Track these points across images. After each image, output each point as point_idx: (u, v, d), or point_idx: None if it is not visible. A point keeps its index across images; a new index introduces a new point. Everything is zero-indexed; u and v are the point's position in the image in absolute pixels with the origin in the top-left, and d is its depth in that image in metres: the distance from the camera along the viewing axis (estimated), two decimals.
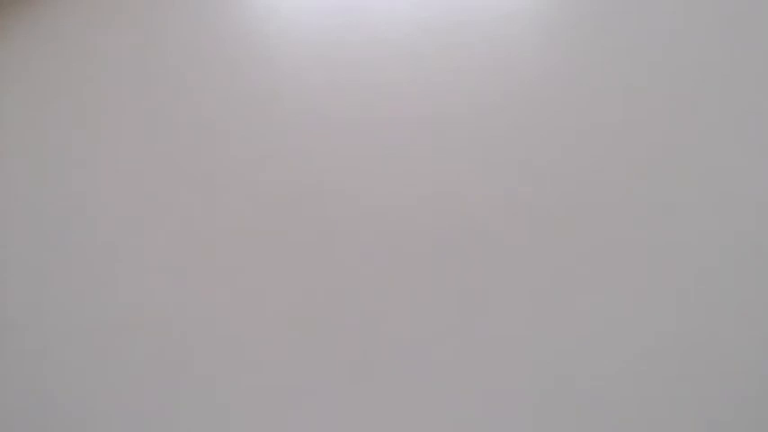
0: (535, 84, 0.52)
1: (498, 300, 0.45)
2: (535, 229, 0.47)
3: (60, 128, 0.55)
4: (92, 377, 0.45)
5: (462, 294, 0.45)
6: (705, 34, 0.52)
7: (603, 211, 0.47)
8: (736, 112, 0.49)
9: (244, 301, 0.47)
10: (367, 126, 0.52)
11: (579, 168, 0.49)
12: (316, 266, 0.47)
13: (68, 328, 0.47)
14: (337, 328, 0.45)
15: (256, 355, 0.45)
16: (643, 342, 0.42)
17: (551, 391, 0.42)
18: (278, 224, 0.49)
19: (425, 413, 0.42)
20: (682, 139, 0.49)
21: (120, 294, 0.48)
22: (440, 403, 0.42)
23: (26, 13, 0.62)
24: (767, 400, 0.40)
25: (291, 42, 0.57)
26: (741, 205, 0.46)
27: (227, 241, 0.49)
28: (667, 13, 0.53)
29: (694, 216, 0.46)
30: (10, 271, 0.50)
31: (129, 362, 0.45)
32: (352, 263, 0.47)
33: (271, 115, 0.54)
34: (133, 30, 0.59)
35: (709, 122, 0.49)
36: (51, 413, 0.44)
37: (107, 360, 0.46)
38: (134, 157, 0.53)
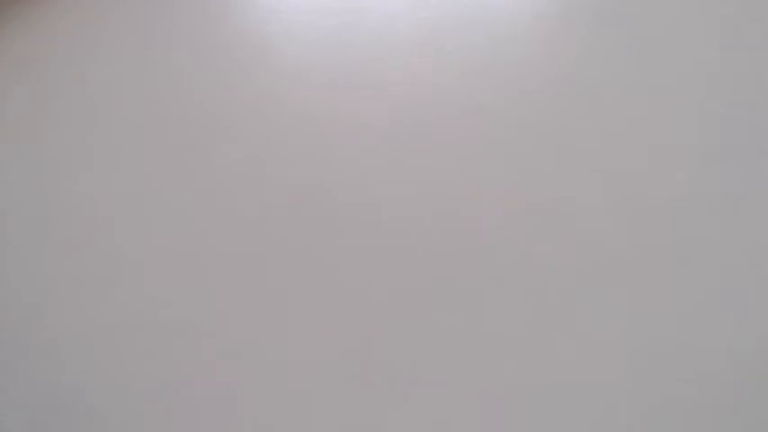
0: (537, 83, 0.52)
1: (495, 300, 0.45)
2: (536, 231, 0.47)
3: (61, 128, 0.55)
4: (97, 377, 0.45)
5: (460, 294, 0.45)
6: (711, 33, 0.52)
7: (604, 213, 0.47)
8: (743, 113, 0.49)
9: (244, 299, 0.47)
10: (367, 126, 0.52)
11: (581, 169, 0.48)
12: (316, 264, 0.47)
13: (74, 327, 0.47)
14: (336, 328, 0.45)
15: (256, 353, 0.45)
16: (642, 344, 0.42)
17: (550, 392, 0.42)
18: (278, 222, 0.49)
19: (423, 412, 0.42)
20: (685, 139, 0.49)
21: (120, 293, 0.48)
22: (437, 402, 0.42)
23: (26, 13, 0.62)
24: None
25: (291, 43, 0.57)
26: (744, 207, 0.46)
27: (229, 239, 0.49)
28: (673, 13, 0.53)
29: (698, 218, 0.46)
30: (19, 272, 0.50)
31: (129, 362, 0.45)
32: (351, 260, 0.47)
33: (271, 114, 0.54)
34: (133, 31, 0.59)
35: (713, 123, 0.49)
36: (61, 415, 0.44)
37: (110, 360, 0.46)
38: (135, 156, 0.53)
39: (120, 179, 0.52)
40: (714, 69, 0.51)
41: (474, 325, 0.44)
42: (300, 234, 0.48)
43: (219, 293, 0.47)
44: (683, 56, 0.51)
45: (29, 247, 0.50)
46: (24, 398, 0.45)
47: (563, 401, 0.41)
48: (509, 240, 0.46)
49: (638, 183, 0.47)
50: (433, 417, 0.42)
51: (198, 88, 0.56)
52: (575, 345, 0.43)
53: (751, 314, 0.43)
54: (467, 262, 0.46)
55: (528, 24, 0.54)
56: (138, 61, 0.58)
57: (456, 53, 0.54)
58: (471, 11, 0.56)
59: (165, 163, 0.53)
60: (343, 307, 0.46)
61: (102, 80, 0.57)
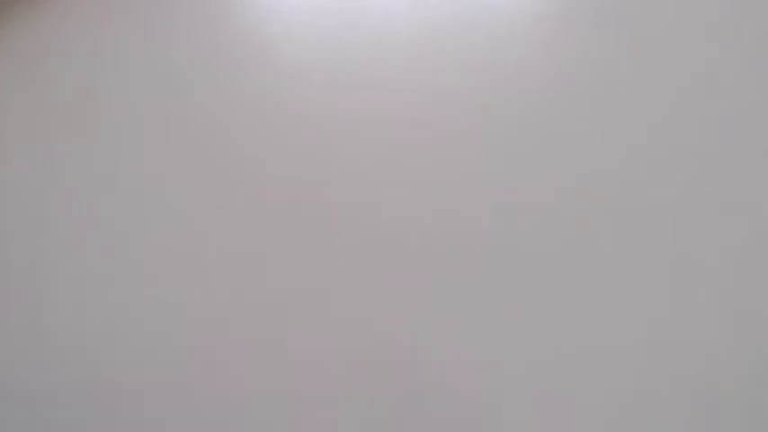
0: (537, 83, 0.52)
1: (493, 301, 0.45)
2: (536, 232, 0.47)
3: (61, 127, 0.55)
4: (96, 377, 0.45)
5: (459, 294, 0.45)
6: (710, 32, 0.52)
7: (603, 213, 0.47)
8: (743, 112, 0.49)
9: (243, 298, 0.47)
10: (367, 125, 0.52)
11: (580, 169, 0.48)
12: (316, 264, 0.47)
13: (73, 327, 0.47)
14: (335, 328, 0.45)
15: (256, 353, 0.45)
16: (642, 344, 0.42)
17: (549, 392, 0.42)
18: (278, 221, 0.49)
19: (423, 413, 0.42)
20: (687, 139, 0.49)
21: (120, 293, 0.48)
22: (437, 402, 0.42)
23: (27, 13, 0.62)
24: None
25: (291, 43, 0.57)
26: (746, 208, 0.46)
27: (229, 239, 0.49)
28: (673, 13, 0.53)
29: (697, 219, 0.46)
30: (18, 272, 0.50)
31: (129, 362, 0.45)
32: (351, 260, 0.47)
33: (271, 114, 0.54)
34: (134, 31, 0.59)
35: (713, 123, 0.49)
36: (60, 415, 0.44)
37: (109, 360, 0.46)
38: (135, 155, 0.53)
39: (120, 178, 0.52)
40: (714, 69, 0.51)
41: (474, 325, 0.44)
42: (300, 234, 0.48)
43: (219, 293, 0.47)
44: (689, 56, 0.51)
45: (28, 246, 0.50)
46: (23, 398, 0.45)
47: (562, 401, 0.41)
48: (509, 240, 0.46)
49: (637, 182, 0.47)
50: (433, 418, 0.42)
51: (198, 88, 0.56)
52: (574, 345, 0.43)
53: (752, 314, 0.43)
54: (467, 262, 0.46)
55: (528, 24, 0.54)
56: (138, 61, 0.58)
57: (456, 53, 0.54)
58: (471, 11, 0.56)
59: (164, 163, 0.53)
60: (343, 307, 0.46)
61: (102, 80, 0.57)
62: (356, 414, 0.42)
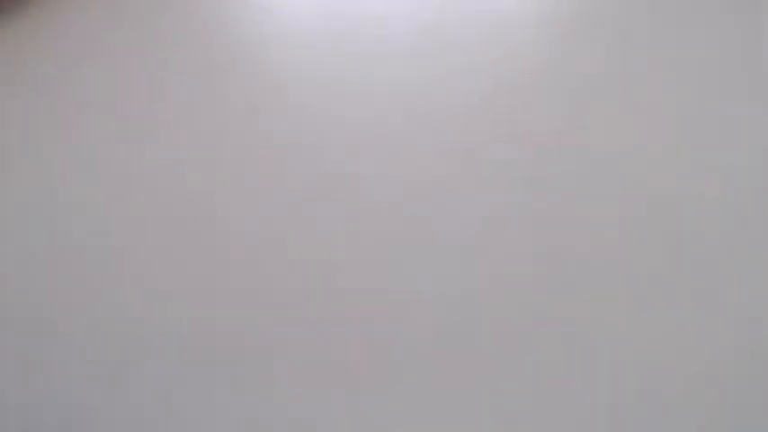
0: (544, 88, 0.52)
1: (493, 299, 0.45)
2: (531, 231, 0.47)
3: (60, 128, 0.55)
4: (93, 379, 0.45)
5: (459, 292, 0.45)
6: (709, 32, 0.52)
7: (601, 212, 0.47)
8: (738, 108, 0.49)
9: (240, 302, 0.47)
10: (366, 131, 0.52)
11: (578, 168, 0.49)
12: (315, 267, 0.47)
13: (71, 328, 0.47)
14: (336, 328, 0.45)
15: (256, 357, 0.45)
16: (644, 347, 0.43)
17: (550, 393, 0.42)
18: (275, 226, 0.49)
19: (429, 415, 0.42)
20: (684, 139, 0.49)
21: (118, 293, 0.48)
22: (440, 405, 0.42)
23: (24, 14, 0.62)
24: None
25: (288, 47, 0.57)
26: (741, 201, 0.46)
27: (225, 243, 0.49)
28: (671, 14, 0.53)
29: (695, 214, 0.46)
30: (16, 272, 0.49)
31: (127, 363, 0.45)
32: (351, 259, 0.47)
33: (268, 118, 0.54)
34: (128, 33, 0.59)
35: (713, 122, 0.49)
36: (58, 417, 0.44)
37: (107, 361, 0.46)
38: (132, 156, 0.53)
39: (119, 178, 0.52)
40: (732, 69, 0.51)
41: (475, 326, 0.44)
42: (296, 239, 0.48)
43: (217, 295, 0.47)
44: (687, 56, 0.51)
45: (28, 246, 0.50)
46: (20, 399, 0.45)
47: (563, 401, 0.42)
48: (509, 240, 0.46)
49: (637, 182, 0.47)
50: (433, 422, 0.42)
51: (192, 91, 0.56)
52: (575, 347, 0.43)
53: (753, 315, 0.43)
54: (467, 264, 0.46)
55: (534, 28, 0.54)
56: (132, 63, 0.58)
57: (457, 56, 0.54)
58: (474, 13, 0.56)
59: (163, 162, 0.53)
60: (344, 304, 0.46)
61: (99, 81, 0.57)
62: (355, 415, 0.42)
